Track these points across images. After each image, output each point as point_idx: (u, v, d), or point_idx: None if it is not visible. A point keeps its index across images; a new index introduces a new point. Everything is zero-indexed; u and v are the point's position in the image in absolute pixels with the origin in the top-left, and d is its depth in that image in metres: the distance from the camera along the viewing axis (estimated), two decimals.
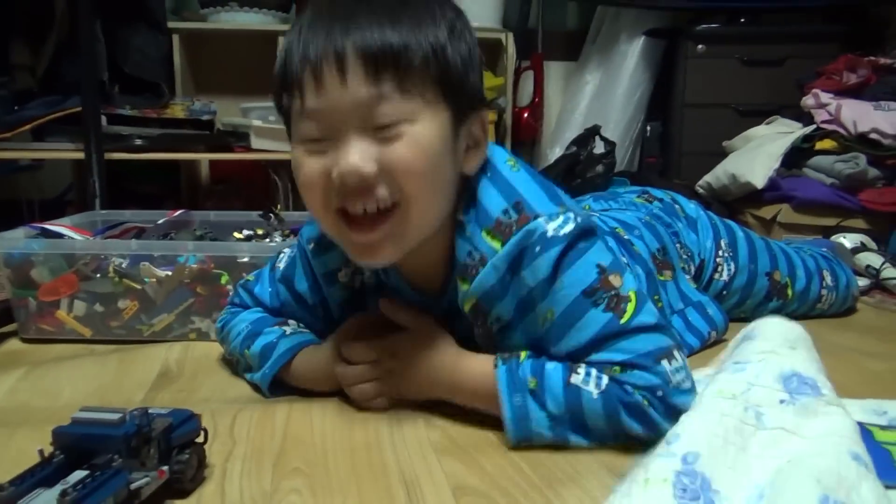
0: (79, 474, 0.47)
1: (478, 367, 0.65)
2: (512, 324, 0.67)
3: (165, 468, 0.51)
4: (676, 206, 1.03)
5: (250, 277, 0.85)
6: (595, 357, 0.61)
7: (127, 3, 1.73)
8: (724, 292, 1.02)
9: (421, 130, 0.59)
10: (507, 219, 0.63)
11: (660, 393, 0.59)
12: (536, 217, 0.62)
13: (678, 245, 0.96)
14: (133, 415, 0.51)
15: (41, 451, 0.49)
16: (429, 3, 0.61)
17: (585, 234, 0.63)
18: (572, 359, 0.63)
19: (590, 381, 0.60)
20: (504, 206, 0.64)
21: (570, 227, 0.62)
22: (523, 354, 0.65)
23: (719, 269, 1.01)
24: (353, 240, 0.62)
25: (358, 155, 0.57)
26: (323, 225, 0.66)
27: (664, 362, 0.60)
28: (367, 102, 0.57)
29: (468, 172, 0.65)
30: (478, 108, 0.65)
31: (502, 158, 0.68)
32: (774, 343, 0.60)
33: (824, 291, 1.08)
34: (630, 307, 0.61)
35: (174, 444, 0.53)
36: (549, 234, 0.61)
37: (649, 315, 0.62)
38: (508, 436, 0.61)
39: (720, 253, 1.01)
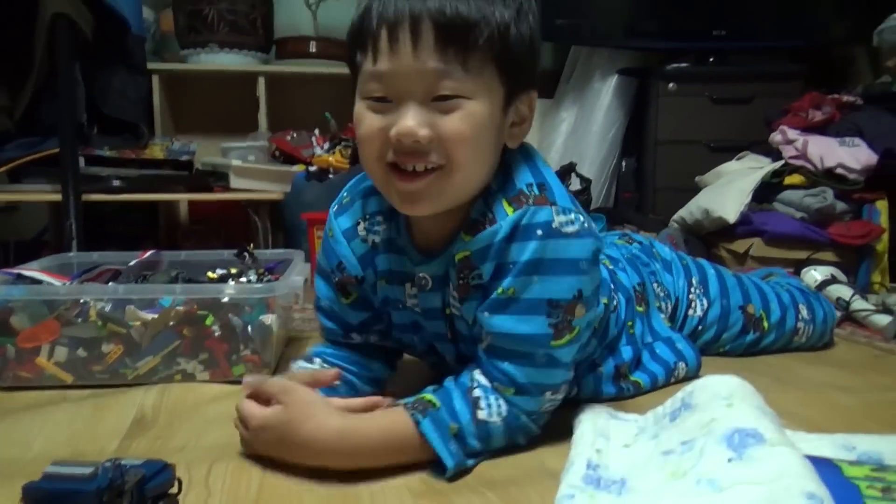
0: None
1: (377, 427, 0.66)
2: (482, 286, 0.70)
3: None
4: (654, 250, 1.08)
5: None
6: (503, 366, 0.68)
7: (106, 46, 1.74)
8: (700, 327, 1.05)
9: (475, 106, 0.64)
10: (528, 192, 0.68)
11: (534, 417, 0.70)
12: (552, 204, 0.67)
13: (655, 284, 1.01)
14: (105, 468, 0.51)
15: None
16: None
17: (593, 256, 0.69)
18: (492, 350, 0.69)
19: (493, 413, 0.67)
20: (529, 182, 0.69)
21: (573, 228, 0.67)
22: (431, 399, 0.67)
23: (692, 305, 1.04)
24: (398, 188, 0.67)
25: (415, 120, 0.63)
26: (373, 175, 0.70)
27: (548, 393, 0.70)
28: (432, 74, 0.62)
29: (511, 146, 0.71)
30: (529, 88, 0.69)
31: (539, 156, 0.74)
32: (712, 409, 0.63)
33: (801, 324, 1.10)
34: (567, 338, 0.68)
35: (147, 496, 0.52)
36: (554, 224, 0.66)
37: (569, 353, 0.70)
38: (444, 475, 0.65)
39: (692, 290, 1.05)
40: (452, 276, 0.73)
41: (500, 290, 0.68)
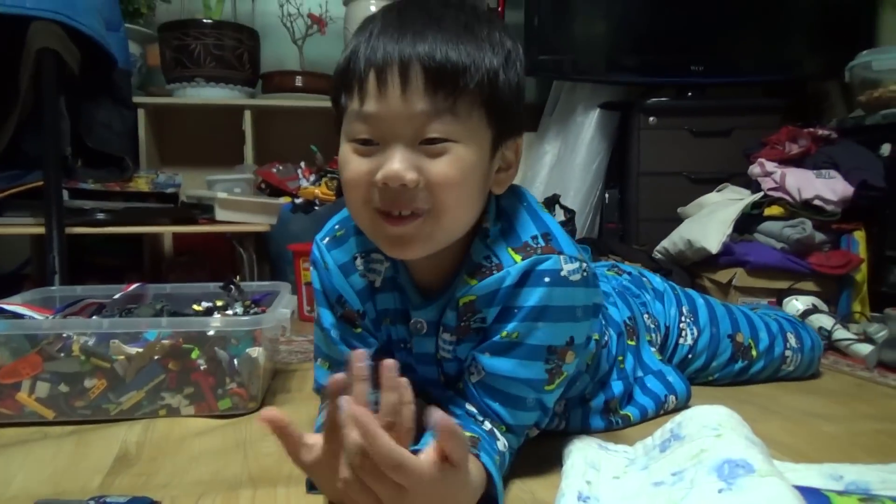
0: None
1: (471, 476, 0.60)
2: (482, 329, 0.70)
3: None
4: (644, 279, 1.09)
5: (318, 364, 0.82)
6: (494, 406, 0.69)
7: (93, 80, 1.75)
8: (690, 355, 1.06)
9: (463, 151, 0.63)
10: (534, 244, 0.69)
11: (516, 449, 0.72)
12: (560, 252, 0.68)
13: (646, 315, 1.01)
14: None
15: None
16: (491, 30, 0.65)
17: (593, 306, 0.71)
18: (484, 387, 0.69)
19: (503, 444, 0.68)
20: (535, 233, 0.70)
21: (577, 276, 0.68)
22: (473, 435, 0.66)
23: (683, 333, 1.05)
24: (387, 232, 0.66)
25: (402, 164, 0.62)
26: (359, 220, 0.69)
27: (530, 431, 0.74)
28: (420, 116, 0.61)
29: (496, 192, 0.71)
30: (515, 134, 0.70)
31: (535, 200, 0.75)
32: (701, 440, 0.64)
33: (788, 353, 1.11)
34: (557, 382, 0.70)
35: None
36: (562, 273, 0.67)
37: (555, 398, 0.73)
38: None
39: (683, 318, 1.06)
40: (451, 318, 0.72)
41: (503, 333, 0.68)
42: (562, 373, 0.70)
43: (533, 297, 0.66)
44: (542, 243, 0.69)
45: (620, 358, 0.91)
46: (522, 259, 0.67)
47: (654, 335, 1.01)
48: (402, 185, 0.61)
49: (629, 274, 1.10)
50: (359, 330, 0.78)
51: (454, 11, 0.65)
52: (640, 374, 0.94)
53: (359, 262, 0.77)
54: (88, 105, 1.77)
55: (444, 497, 0.55)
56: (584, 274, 0.69)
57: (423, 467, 0.53)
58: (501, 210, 0.72)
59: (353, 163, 0.65)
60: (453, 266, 0.72)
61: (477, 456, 0.62)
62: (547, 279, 0.66)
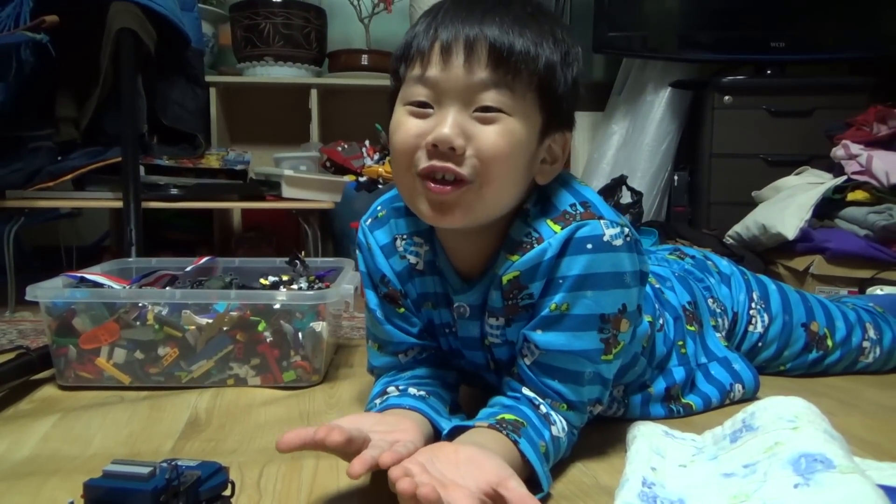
0: None
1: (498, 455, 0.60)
2: (532, 305, 0.69)
3: None
4: (709, 262, 1.04)
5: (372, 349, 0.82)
6: (552, 384, 0.68)
7: (168, 59, 1.80)
8: (760, 344, 1.01)
9: (514, 123, 0.64)
10: (573, 211, 0.68)
11: (581, 426, 0.71)
12: (600, 217, 0.67)
13: (710, 300, 0.97)
14: (163, 468, 0.52)
15: None
16: (554, 28, 0.67)
17: (640, 273, 0.69)
18: (540, 367, 0.68)
19: (559, 429, 0.67)
20: (572, 202, 0.69)
21: (620, 241, 0.66)
22: (515, 418, 0.65)
23: (753, 320, 1.01)
24: (429, 196, 0.65)
25: (455, 128, 0.63)
26: (401, 184, 0.69)
27: (595, 406, 0.71)
28: (479, 84, 0.63)
29: (540, 182, 0.70)
30: (564, 128, 0.70)
31: (574, 178, 0.74)
32: (776, 432, 0.61)
33: (867, 343, 1.06)
34: (614, 352, 0.69)
35: (201, 497, 0.53)
36: (605, 238, 0.66)
37: (613, 369, 0.70)
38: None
39: (753, 305, 1.01)
40: (497, 298, 0.71)
41: (552, 306, 0.66)
42: (618, 342, 0.68)
43: (577, 265, 0.65)
44: (580, 210, 0.68)
45: (681, 342, 0.88)
46: (562, 228, 0.66)
47: (720, 320, 0.97)
48: (450, 147, 0.62)
49: (692, 258, 1.05)
50: (402, 310, 0.78)
51: (522, 1, 0.67)
52: (703, 360, 0.91)
53: (399, 243, 0.77)
54: (163, 84, 1.83)
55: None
56: (628, 239, 0.67)
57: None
58: (542, 192, 0.71)
59: (405, 125, 0.66)
60: (493, 248, 0.71)
61: (516, 443, 0.62)
62: (589, 245, 0.65)
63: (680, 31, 2.24)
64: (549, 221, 0.68)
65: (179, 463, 0.53)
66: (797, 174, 1.88)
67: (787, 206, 1.70)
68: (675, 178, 2.26)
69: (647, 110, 2.31)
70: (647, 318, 0.80)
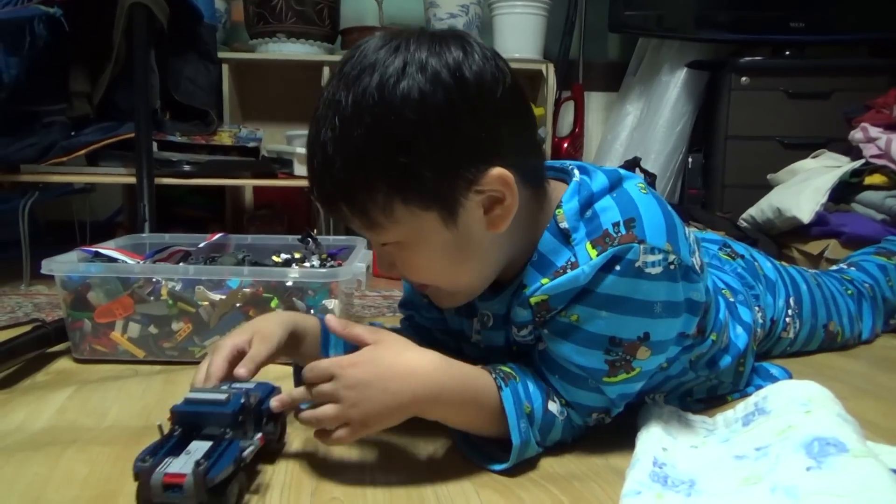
0: (198, 445, 0.55)
1: (469, 373, 0.63)
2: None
3: (261, 434, 0.61)
4: (756, 264, 1.00)
5: None
6: (552, 379, 0.67)
7: (180, 35, 1.79)
8: (789, 348, 1.03)
9: (413, 245, 0.63)
10: (615, 233, 0.62)
11: (582, 426, 0.69)
12: (641, 242, 0.62)
13: (757, 308, 0.93)
14: (237, 394, 0.60)
15: (161, 427, 0.57)
16: (377, 119, 0.57)
17: (685, 303, 0.66)
18: (546, 359, 0.67)
19: (556, 408, 0.66)
20: (617, 220, 0.63)
21: (658, 269, 0.62)
22: (512, 372, 0.65)
23: (787, 328, 1.00)
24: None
25: (382, 264, 0.67)
26: None
27: (594, 414, 0.68)
28: (361, 230, 0.63)
29: (499, 230, 0.63)
30: (470, 181, 0.60)
31: (634, 182, 0.67)
32: (789, 415, 0.61)
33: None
34: (622, 376, 0.65)
35: (263, 415, 0.63)
36: (637, 264, 0.61)
37: (618, 391, 0.67)
38: (504, 463, 0.63)
39: (789, 312, 1.00)
40: (524, 315, 0.67)
41: (563, 314, 0.64)
42: (631, 368, 0.65)
43: (601, 284, 0.62)
44: (622, 231, 0.62)
45: (741, 361, 0.83)
46: (599, 254, 0.61)
47: (759, 330, 0.93)
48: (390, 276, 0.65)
49: (742, 257, 1.00)
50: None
51: (349, 123, 0.57)
52: (758, 381, 0.87)
53: None
54: (176, 59, 1.82)
55: (388, 368, 0.59)
56: (672, 267, 0.62)
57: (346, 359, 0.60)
58: (586, 190, 0.66)
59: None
60: (522, 259, 0.68)
61: (500, 389, 0.63)
62: (618, 268, 0.61)
63: (697, 10, 2.20)
64: (588, 244, 0.63)
65: (243, 387, 0.62)
66: (814, 157, 1.86)
67: (803, 189, 1.68)
68: (690, 160, 2.24)
69: (663, 91, 2.28)
70: (711, 336, 0.75)
